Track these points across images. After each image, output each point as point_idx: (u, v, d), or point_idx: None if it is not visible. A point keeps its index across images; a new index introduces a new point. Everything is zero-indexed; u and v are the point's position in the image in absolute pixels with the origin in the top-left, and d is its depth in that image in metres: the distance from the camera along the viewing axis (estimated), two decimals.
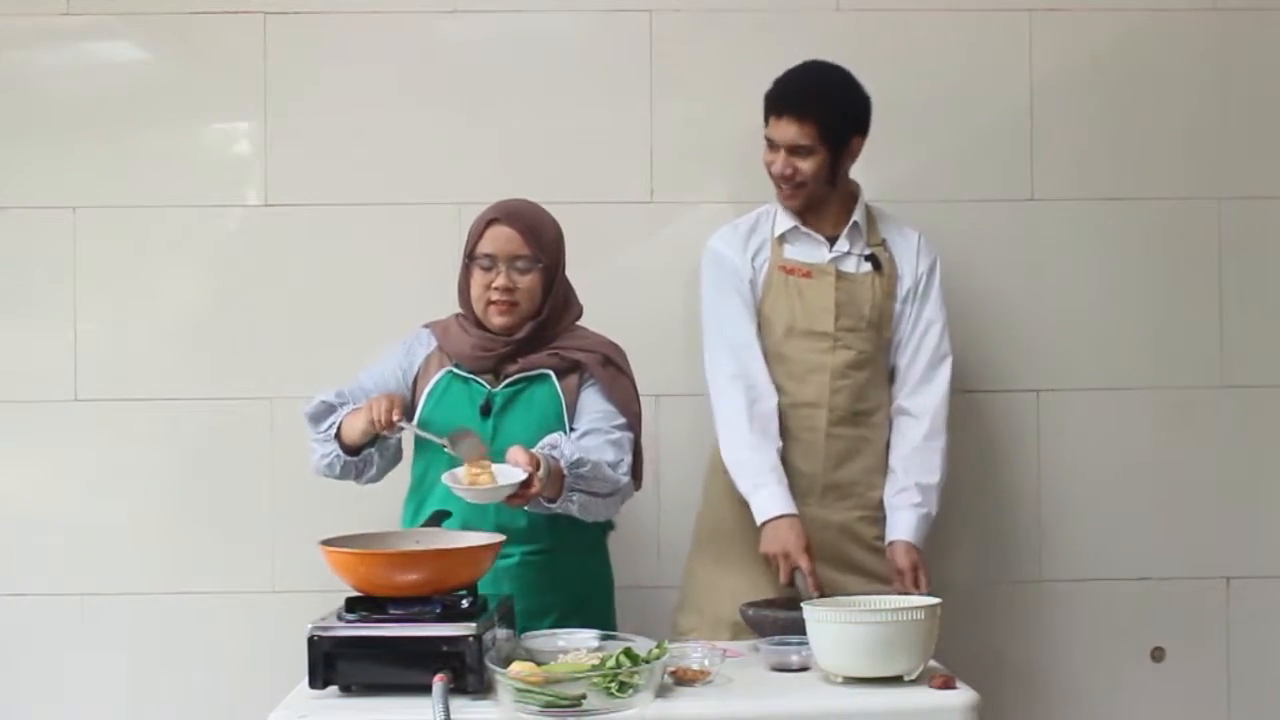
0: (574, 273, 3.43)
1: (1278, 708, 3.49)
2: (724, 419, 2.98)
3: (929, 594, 2.74)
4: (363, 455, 2.80)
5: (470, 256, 2.82)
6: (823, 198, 3.00)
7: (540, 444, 2.63)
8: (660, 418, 3.40)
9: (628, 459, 2.76)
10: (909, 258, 3.04)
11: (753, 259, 3.04)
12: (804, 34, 3.43)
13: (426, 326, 2.95)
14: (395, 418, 2.64)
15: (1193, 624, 3.49)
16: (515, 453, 2.53)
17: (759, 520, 2.88)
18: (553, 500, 2.60)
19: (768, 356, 3.00)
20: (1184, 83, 3.51)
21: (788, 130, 2.93)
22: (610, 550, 2.96)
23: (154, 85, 3.47)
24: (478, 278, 2.80)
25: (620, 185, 3.44)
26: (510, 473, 2.51)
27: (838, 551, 2.97)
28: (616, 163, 3.45)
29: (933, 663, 2.41)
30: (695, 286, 3.39)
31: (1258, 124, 3.51)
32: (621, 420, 2.79)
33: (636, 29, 3.45)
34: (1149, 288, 3.50)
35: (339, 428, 2.77)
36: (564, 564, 2.78)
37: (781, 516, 2.85)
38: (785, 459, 2.94)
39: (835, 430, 2.98)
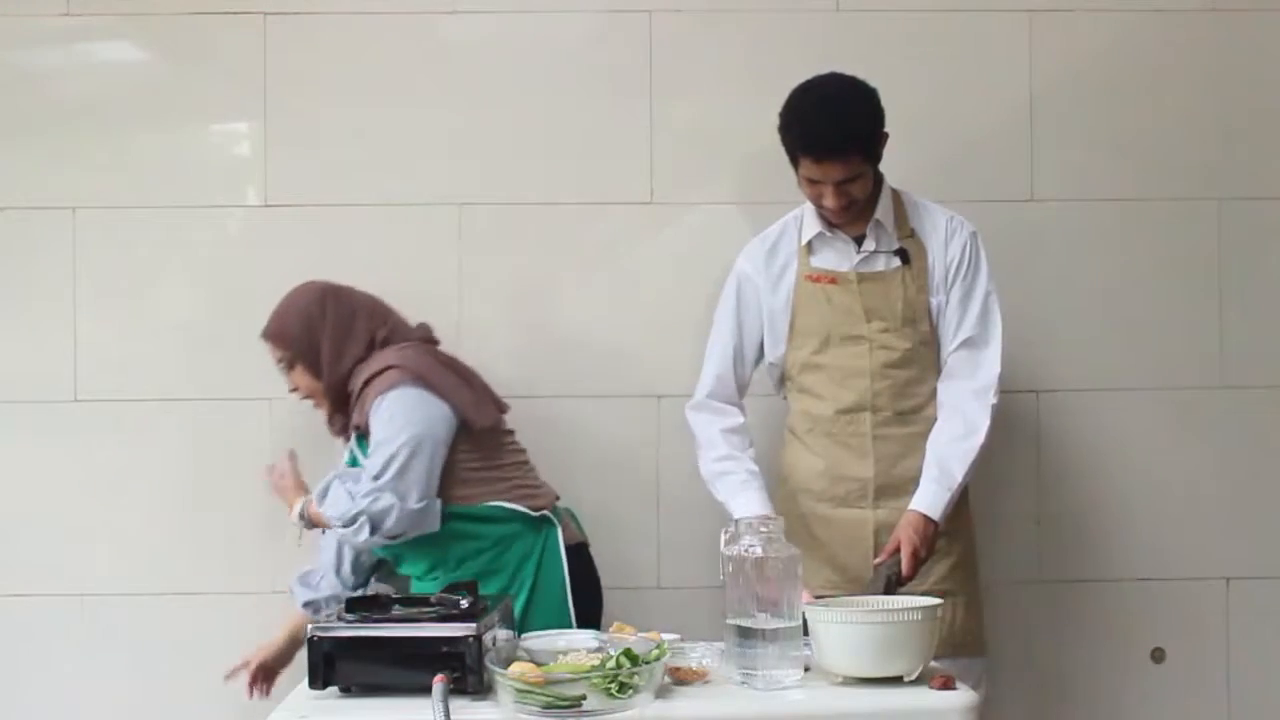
0: (574, 272, 3.46)
1: (1278, 708, 3.49)
2: (698, 436, 3.05)
3: (927, 590, 2.75)
4: None
5: None
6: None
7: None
8: (660, 418, 3.41)
9: (347, 502, 2.88)
10: (938, 246, 2.96)
11: (780, 276, 3.00)
12: (804, 34, 3.44)
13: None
14: None
15: (1193, 624, 3.49)
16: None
17: None
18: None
19: (807, 367, 3.00)
20: (1184, 83, 3.51)
21: (833, 170, 2.83)
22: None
23: (154, 85, 3.47)
24: None
25: (620, 185, 3.44)
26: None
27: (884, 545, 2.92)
28: (616, 163, 3.45)
29: (933, 663, 2.41)
30: (695, 286, 3.41)
31: (1258, 124, 3.52)
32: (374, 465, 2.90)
33: (636, 29, 3.45)
34: (1149, 288, 3.50)
35: None
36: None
37: (765, 517, 2.85)
38: (836, 467, 2.96)
39: (882, 431, 2.95)
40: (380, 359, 2.95)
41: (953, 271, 2.96)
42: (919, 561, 2.78)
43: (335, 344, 2.99)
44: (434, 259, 3.42)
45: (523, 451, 3.12)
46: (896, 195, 3.00)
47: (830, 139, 2.83)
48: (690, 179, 3.46)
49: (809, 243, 2.99)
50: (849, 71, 2.93)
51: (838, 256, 2.98)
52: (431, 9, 3.45)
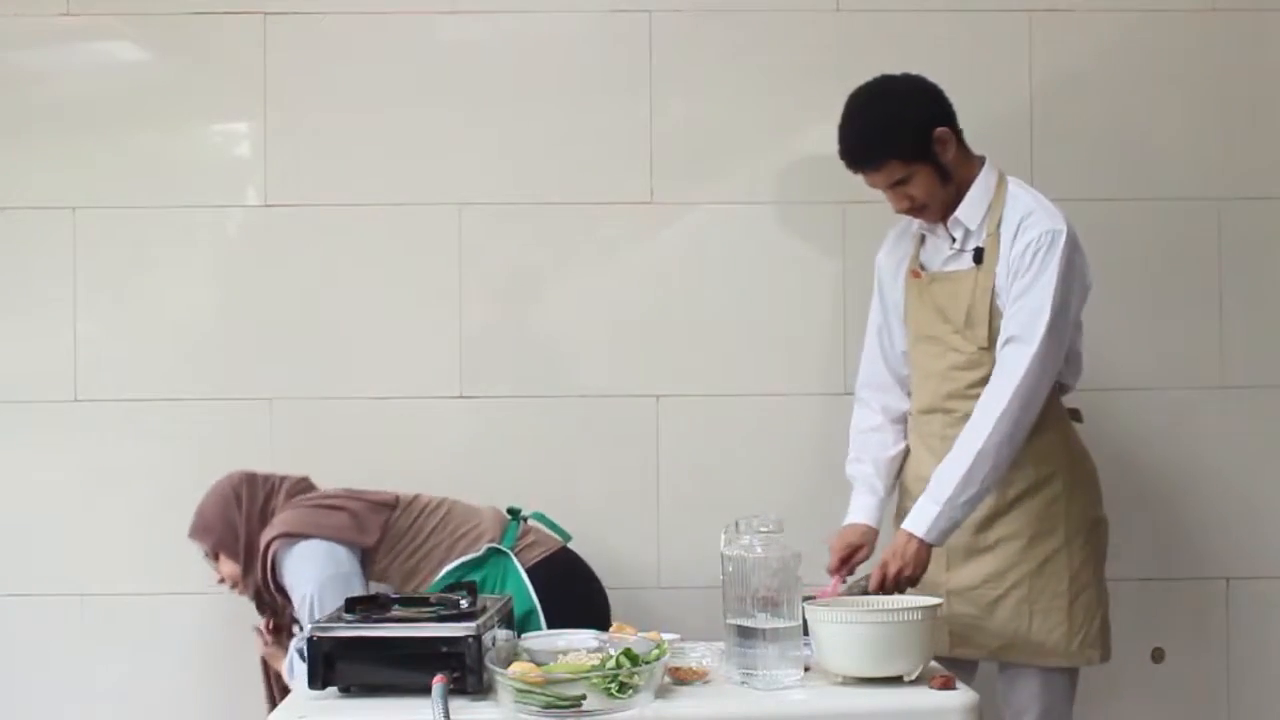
0: (575, 272, 3.45)
1: (1278, 708, 3.49)
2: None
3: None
4: None
5: None
6: (952, 193, 2.84)
7: None
8: (660, 418, 3.41)
9: None
10: (1006, 243, 2.78)
11: (898, 267, 3.00)
12: (804, 34, 3.44)
13: None
14: None
15: (1193, 624, 3.49)
16: None
17: None
18: None
19: (909, 362, 3.00)
20: (1184, 83, 3.51)
21: (874, 178, 2.83)
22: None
23: (154, 85, 3.47)
24: None
25: (620, 185, 3.44)
26: None
27: (957, 549, 2.83)
28: (616, 163, 3.45)
29: (933, 663, 2.41)
30: (695, 286, 3.42)
31: (1258, 124, 3.51)
32: None
33: (636, 29, 3.45)
34: (1149, 288, 3.50)
35: None
36: None
37: (849, 524, 2.92)
38: (918, 466, 2.92)
39: (950, 433, 2.79)
40: (264, 538, 2.98)
41: (1012, 272, 2.76)
42: (897, 578, 2.66)
43: (251, 531, 3.02)
44: (434, 259, 3.42)
45: (441, 504, 3.08)
46: (1001, 186, 2.86)
47: (855, 152, 2.83)
48: (690, 179, 3.46)
49: (922, 234, 2.96)
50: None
51: (934, 252, 2.94)
52: (431, 9, 3.45)
